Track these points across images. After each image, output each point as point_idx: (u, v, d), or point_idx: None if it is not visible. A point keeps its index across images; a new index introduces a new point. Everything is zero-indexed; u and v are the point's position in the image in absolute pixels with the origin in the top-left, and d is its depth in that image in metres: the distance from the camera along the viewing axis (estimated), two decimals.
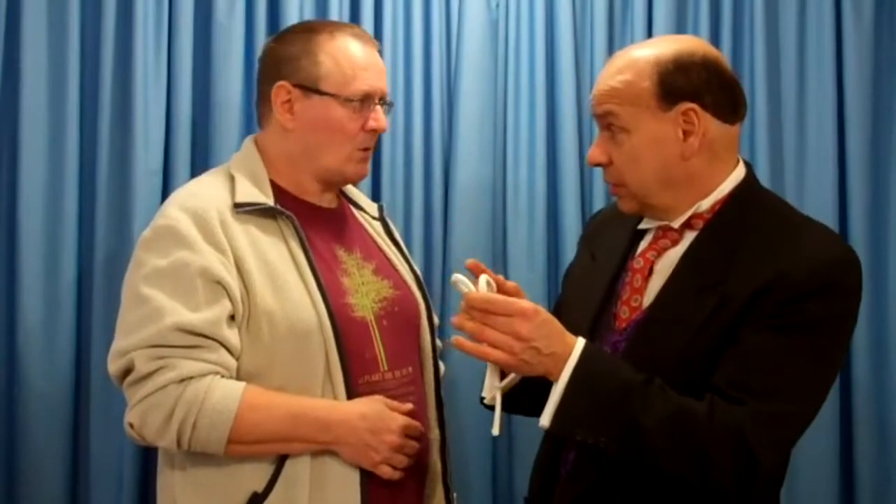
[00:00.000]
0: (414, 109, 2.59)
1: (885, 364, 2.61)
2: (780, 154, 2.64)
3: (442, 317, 2.51)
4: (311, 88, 1.85)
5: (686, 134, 1.64)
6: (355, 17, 2.56)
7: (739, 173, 1.70)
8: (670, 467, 1.54)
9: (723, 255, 1.61)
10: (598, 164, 1.71)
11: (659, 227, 1.73)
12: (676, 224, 1.69)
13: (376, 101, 1.88)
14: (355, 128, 1.86)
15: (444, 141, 2.63)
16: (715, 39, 2.67)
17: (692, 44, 1.69)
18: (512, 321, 1.52)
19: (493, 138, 2.64)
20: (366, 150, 1.91)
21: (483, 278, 1.60)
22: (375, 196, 2.55)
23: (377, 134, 1.91)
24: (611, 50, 2.64)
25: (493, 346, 1.53)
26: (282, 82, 1.86)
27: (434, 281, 2.59)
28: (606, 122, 1.67)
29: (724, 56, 1.71)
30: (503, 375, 1.65)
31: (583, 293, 1.79)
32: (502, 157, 2.64)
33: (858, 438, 2.60)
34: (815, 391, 1.59)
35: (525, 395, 1.70)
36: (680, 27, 2.66)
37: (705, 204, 1.67)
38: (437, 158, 2.62)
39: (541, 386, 1.58)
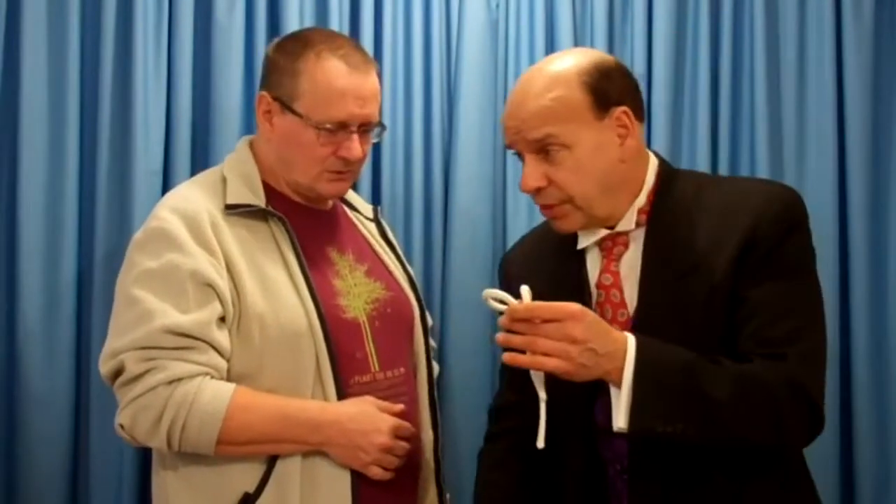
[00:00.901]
0: (414, 109, 2.59)
1: (886, 363, 2.59)
2: (780, 153, 2.63)
3: (442, 317, 2.52)
4: (286, 105, 1.84)
5: (622, 137, 1.66)
6: (355, 17, 2.55)
7: (654, 161, 1.74)
8: (748, 435, 1.54)
9: (682, 236, 1.64)
10: (536, 189, 1.68)
11: (603, 239, 1.73)
12: (631, 226, 1.70)
13: (353, 128, 1.83)
14: (325, 153, 1.83)
15: (444, 141, 2.62)
16: (715, 39, 2.66)
17: (597, 53, 1.73)
18: (563, 325, 1.46)
19: (493, 138, 2.62)
20: (339, 173, 1.87)
21: (524, 288, 1.52)
22: (375, 196, 2.55)
23: (355, 161, 1.86)
24: (611, 50, 2.63)
25: (548, 354, 1.47)
26: (263, 92, 1.87)
27: (434, 281, 2.59)
28: (542, 144, 1.65)
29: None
30: (547, 385, 1.57)
31: None
32: (502, 157, 2.63)
33: (858, 438, 2.58)
34: (822, 315, 1.64)
35: None
36: (680, 27, 2.65)
37: (641, 199, 1.70)
38: (437, 158, 2.61)
39: None
